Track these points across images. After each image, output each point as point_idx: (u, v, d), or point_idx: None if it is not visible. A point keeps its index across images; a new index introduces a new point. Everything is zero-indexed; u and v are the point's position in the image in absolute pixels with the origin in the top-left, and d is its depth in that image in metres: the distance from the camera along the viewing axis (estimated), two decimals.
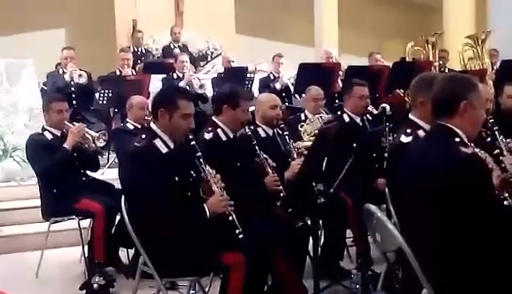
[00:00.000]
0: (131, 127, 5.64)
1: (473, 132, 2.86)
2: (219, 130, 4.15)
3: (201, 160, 3.57)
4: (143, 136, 3.57)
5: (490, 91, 4.38)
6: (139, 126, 5.56)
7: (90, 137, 5.24)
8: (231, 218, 3.49)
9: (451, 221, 2.59)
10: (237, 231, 3.46)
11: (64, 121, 5.20)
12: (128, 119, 5.83)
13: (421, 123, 3.38)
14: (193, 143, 3.55)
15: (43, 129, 5.24)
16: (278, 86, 8.51)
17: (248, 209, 3.56)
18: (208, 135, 4.12)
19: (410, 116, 3.52)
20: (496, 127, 4.18)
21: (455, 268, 2.58)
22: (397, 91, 8.65)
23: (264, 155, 4.29)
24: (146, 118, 5.47)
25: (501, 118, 4.34)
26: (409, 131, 3.40)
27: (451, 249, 2.59)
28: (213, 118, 4.23)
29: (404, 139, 3.40)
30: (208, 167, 3.58)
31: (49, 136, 5.18)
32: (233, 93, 4.28)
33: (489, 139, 3.54)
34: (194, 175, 3.58)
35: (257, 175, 4.21)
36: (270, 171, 4.25)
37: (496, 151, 3.44)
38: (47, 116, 5.25)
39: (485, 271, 2.55)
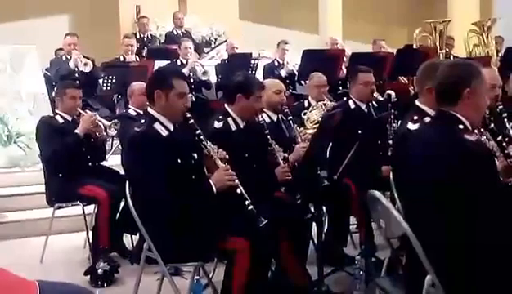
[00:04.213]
0: (133, 113, 5.64)
1: (477, 119, 2.85)
2: (230, 119, 4.12)
3: (201, 137, 3.57)
4: (142, 121, 3.58)
5: (498, 77, 4.31)
6: (141, 112, 5.56)
7: (102, 126, 5.26)
8: (238, 190, 3.49)
9: (455, 207, 2.58)
10: (246, 202, 3.47)
11: (76, 107, 5.25)
12: (130, 105, 5.84)
13: (428, 110, 3.37)
14: (191, 121, 3.55)
15: (55, 113, 5.30)
16: (283, 73, 8.47)
17: (253, 197, 3.54)
18: (218, 124, 4.10)
19: (417, 103, 3.51)
20: (505, 114, 4.15)
21: (460, 254, 2.58)
22: (400, 78, 8.63)
23: (276, 145, 4.28)
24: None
25: (508, 105, 4.32)
26: (416, 117, 3.39)
27: (456, 235, 2.59)
28: (226, 106, 4.21)
29: (411, 126, 3.39)
30: (209, 143, 3.59)
31: (60, 120, 5.22)
32: (247, 82, 4.23)
33: (492, 125, 3.52)
34: (196, 156, 3.59)
35: (267, 164, 4.20)
36: (281, 161, 4.24)
37: (500, 137, 3.42)
38: (60, 101, 5.29)
39: (489, 257, 2.55)
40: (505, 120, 4.19)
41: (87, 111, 5.42)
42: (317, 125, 5.38)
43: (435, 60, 4.50)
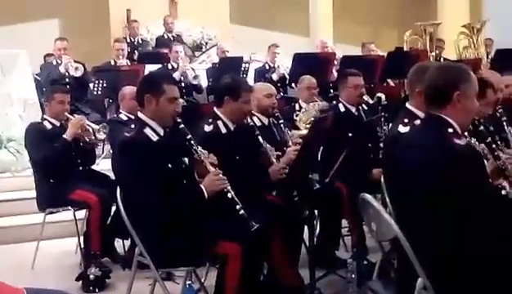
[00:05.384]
0: (124, 118, 5.62)
1: (466, 122, 2.86)
2: (219, 122, 4.11)
3: (192, 142, 3.57)
4: (133, 126, 3.56)
5: (501, 80, 4.31)
6: (132, 117, 5.54)
7: (91, 130, 5.24)
8: (229, 195, 3.49)
9: (445, 211, 2.59)
10: (237, 207, 3.46)
11: (64, 112, 5.23)
12: (121, 110, 5.82)
13: (418, 113, 3.37)
14: (182, 126, 3.55)
15: (43, 119, 5.27)
16: (275, 77, 8.47)
17: (245, 200, 3.54)
18: (207, 128, 4.08)
19: (408, 105, 3.52)
20: (504, 118, 4.16)
21: (451, 256, 2.59)
22: (389, 80, 8.65)
23: (268, 145, 4.29)
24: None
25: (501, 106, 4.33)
26: (406, 120, 3.39)
27: (446, 238, 2.59)
28: (215, 109, 4.20)
29: (402, 129, 3.39)
30: (200, 148, 3.58)
31: (48, 126, 5.20)
32: (234, 84, 4.21)
33: (482, 127, 3.53)
34: (186, 161, 3.58)
35: (259, 165, 4.20)
36: (274, 160, 4.25)
37: (489, 139, 3.44)
38: (48, 106, 5.28)
39: (480, 259, 2.56)
40: (504, 123, 4.19)
41: (75, 115, 5.39)
42: (309, 125, 5.40)
43: (426, 62, 4.50)
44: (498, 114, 4.18)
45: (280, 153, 4.39)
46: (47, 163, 5.00)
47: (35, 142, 5.12)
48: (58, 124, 5.22)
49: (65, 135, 5.04)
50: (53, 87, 5.93)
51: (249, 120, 4.38)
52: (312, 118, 5.63)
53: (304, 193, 4.22)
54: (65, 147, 5.01)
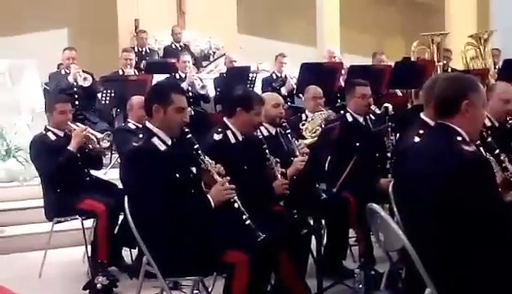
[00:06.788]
0: (132, 127, 5.64)
1: (475, 132, 2.86)
2: (229, 131, 4.14)
3: (199, 152, 3.58)
4: (141, 136, 3.58)
5: None
6: (140, 126, 5.56)
7: (94, 138, 5.25)
8: (236, 205, 3.49)
9: (454, 220, 2.58)
10: (244, 217, 3.47)
11: (67, 122, 5.22)
12: (129, 119, 5.84)
13: (432, 124, 3.36)
14: (189, 136, 3.56)
15: (46, 129, 5.25)
16: (284, 91, 8.41)
17: (252, 210, 3.55)
18: (217, 136, 4.11)
19: (422, 116, 3.51)
20: None
21: (459, 267, 2.58)
22: (396, 90, 8.64)
23: (275, 159, 4.30)
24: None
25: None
26: (421, 131, 3.38)
27: (455, 248, 2.59)
28: (225, 119, 4.22)
29: (417, 140, 3.38)
30: (207, 158, 3.59)
31: (52, 137, 5.19)
32: (247, 96, 4.28)
33: (490, 139, 3.52)
34: (194, 171, 3.59)
35: (265, 178, 4.21)
36: (279, 175, 4.26)
37: (497, 151, 3.43)
38: (50, 116, 5.27)
39: (488, 270, 2.55)
40: None
41: (78, 124, 5.39)
42: (316, 134, 5.41)
43: (442, 74, 4.49)
44: (508, 126, 4.16)
45: (284, 171, 4.39)
46: (54, 176, 5.00)
47: (40, 156, 5.13)
48: (62, 134, 5.21)
49: (69, 147, 5.04)
50: (54, 97, 5.92)
51: (259, 133, 4.40)
52: (318, 127, 5.64)
53: (311, 203, 4.21)
54: (70, 159, 5.01)
